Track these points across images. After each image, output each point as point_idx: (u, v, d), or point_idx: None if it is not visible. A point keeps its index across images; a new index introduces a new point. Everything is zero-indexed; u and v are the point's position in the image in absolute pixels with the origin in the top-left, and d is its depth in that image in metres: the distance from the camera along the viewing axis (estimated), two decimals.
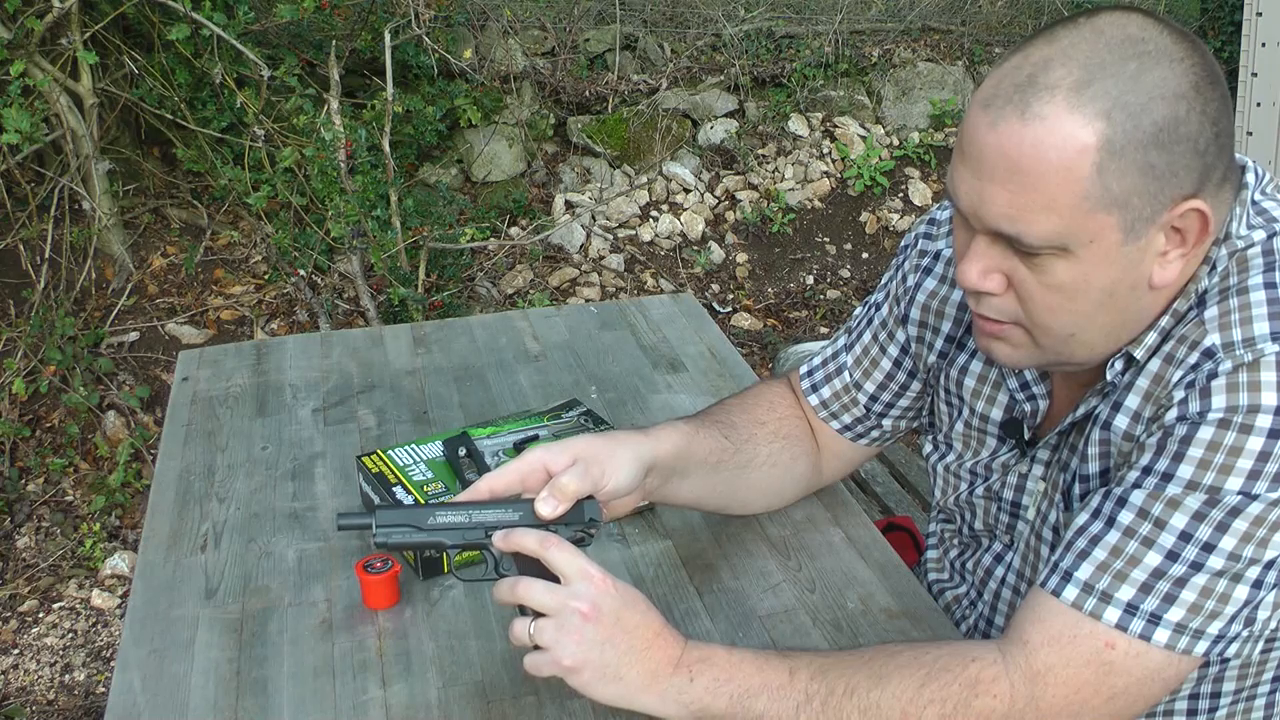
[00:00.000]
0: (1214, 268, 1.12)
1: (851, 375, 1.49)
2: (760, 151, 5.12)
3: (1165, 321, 1.13)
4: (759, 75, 5.34)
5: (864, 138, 5.20)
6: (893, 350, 1.46)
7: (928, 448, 1.46)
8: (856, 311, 1.54)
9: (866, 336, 1.49)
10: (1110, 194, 1.03)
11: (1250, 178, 1.16)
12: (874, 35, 5.62)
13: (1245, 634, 1.10)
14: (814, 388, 1.52)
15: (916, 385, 1.47)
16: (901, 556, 1.49)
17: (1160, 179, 1.04)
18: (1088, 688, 1.08)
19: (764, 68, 5.37)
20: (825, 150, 5.16)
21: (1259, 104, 4.12)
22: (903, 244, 1.48)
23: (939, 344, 1.41)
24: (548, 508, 1.19)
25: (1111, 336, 1.14)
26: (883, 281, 1.49)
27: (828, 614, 1.37)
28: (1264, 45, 4.07)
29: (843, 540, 1.51)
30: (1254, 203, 1.15)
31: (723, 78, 5.31)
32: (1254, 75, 4.11)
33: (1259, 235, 1.12)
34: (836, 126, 5.25)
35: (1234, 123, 1.06)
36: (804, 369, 1.54)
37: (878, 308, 1.49)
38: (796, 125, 5.21)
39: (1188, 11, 5.86)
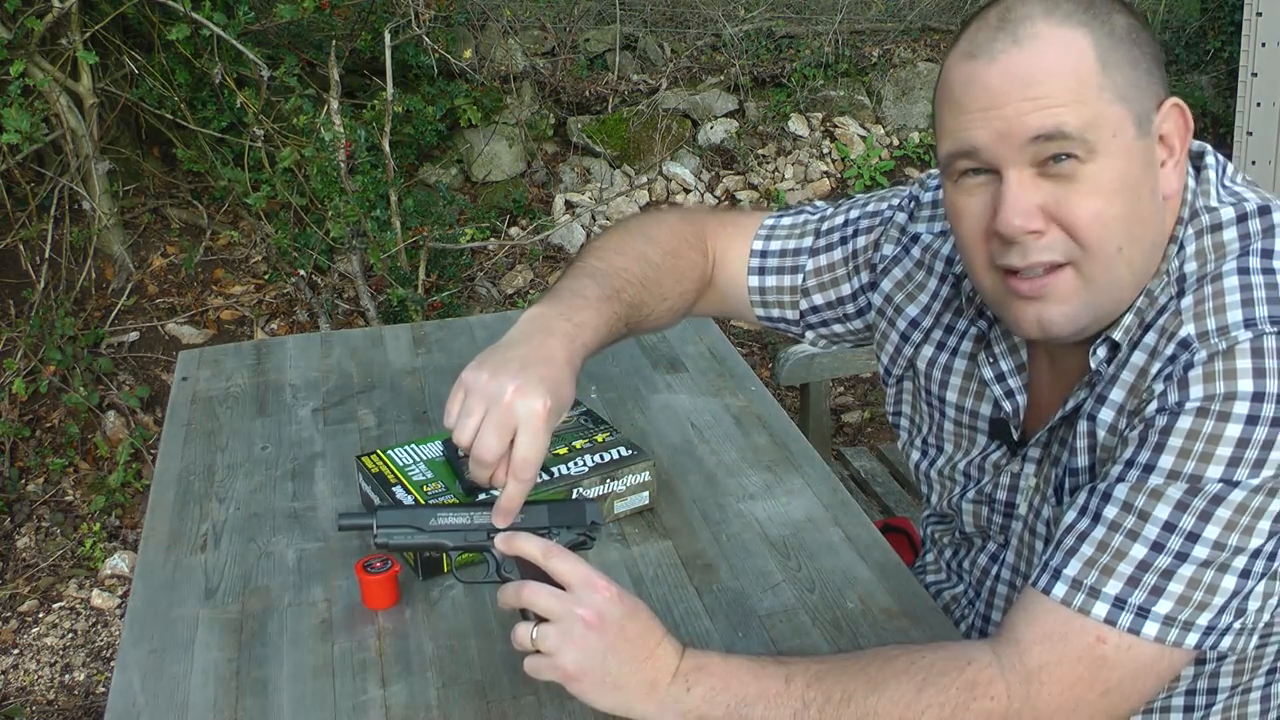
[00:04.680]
0: (1181, 246, 1.15)
1: (805, 280, 1.49)
2: (760, 151, 5.12)
3: (1141, 302, 1.15)
4: (759, 75, 5.34)
5: (864, 138, 5.21)
6: (856, 283, 1.47)
7: (915, 455, 1.45)
8: (829, 211, 1.52)
9: (837, 254, 1.48)
10: (1117, 86, 1.09)
11: (1211, 160, 1.19)
12: (874, 35, 5.62)
13: (1237, 626, 1.10)
14: (761, 270, 1.51)
15: (859, 324, 1.49)
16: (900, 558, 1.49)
17: (1146, 74, 1.11)
18: (1082, 683, 1.09)
19: (764, 68, 5.37)
20: (825, 150, 5.16)
21: (1259, 104, 4.11)
22: (885, 206, 1.46)
23: (900, 324, 1.42)
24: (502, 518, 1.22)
25: (1145, 259, 1.14)
26: (869, 210, 1.48)
27: (827, 614, 1.38)
28: (1264, 45, 4.06)
29: (842, 540, 1.51)
30: (1224, 186, 1.18)
31: (723, 78, 5.31)
32: (1254, 75, 4.11)
33: (1228, 213, 1.15)
34: (836, 126, 5.25)
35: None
36: (758, 245, 1.51)
37: (856, 234, 1.47)
38: (796, 125, 5.21)
39: (1187, 11, 5.86)
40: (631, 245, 1.43)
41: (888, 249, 1.43)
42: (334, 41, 4.06)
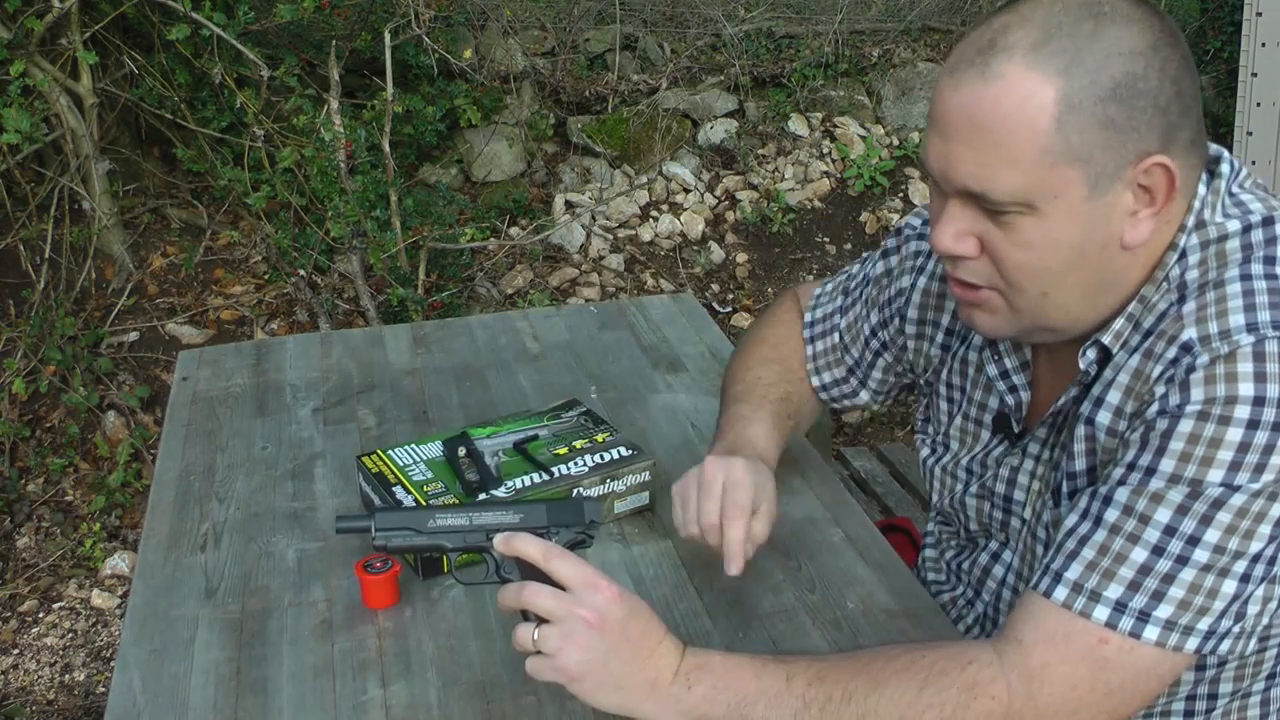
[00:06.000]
0: (1184, 255, 1.14)
1: (842, 338, 1.56)
2: (760, 151, 5.11)
3: (1134, 308, 1.15)
4: (759, 75, 5.34)
5: (864, 138, 5.20)
6: (885, 335, 1.52)
7: (924, 451, 1.47)
8: (855, 270, 1.58)
9: (859, 308, 1.54)
10: (1071, 148, 1.06)
11: (1225, 168, 1.18)
12: (874, 35, 5.62)
13: (1236, 630, 1.10)
14: (812, 339, 1.59)
15: (901, 369, 1.53)
16: (900, 558, 1.49)
17: (1121, 133, 1.07)
18: (1084, 684, 1.09)
19: (764, 68, 5.36)
20: (825, 150, 5.16)
21: (1259, 104, 4.11)
22: (892, 242, 1.51)
23: (939, 337, 1.44)
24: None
25: (1087, 299, 1.15)
26: (890, 263, 1.51)
27: (827, 614, 1.38)
28: (1264, 45, 4.06)
29: (842, 540, 1.51)
30: (1230, 194, 1.17)
31: (723, 78, 5.31)
32: (1254, 75, 4.11)
33: (1233, 225, 1.14)
34: (836, 126, 5.25)
35: (1198, 86, 1.12)
36: (808, 315, 1.61)
37: (876, 286, 1.53)
38: (796, 125, 5.21)
39: (1187, 11, 5.86)
40: (755, 354, 1.60)
41: (904, 281, 1.47)
42: (334, 41, 4.05)
